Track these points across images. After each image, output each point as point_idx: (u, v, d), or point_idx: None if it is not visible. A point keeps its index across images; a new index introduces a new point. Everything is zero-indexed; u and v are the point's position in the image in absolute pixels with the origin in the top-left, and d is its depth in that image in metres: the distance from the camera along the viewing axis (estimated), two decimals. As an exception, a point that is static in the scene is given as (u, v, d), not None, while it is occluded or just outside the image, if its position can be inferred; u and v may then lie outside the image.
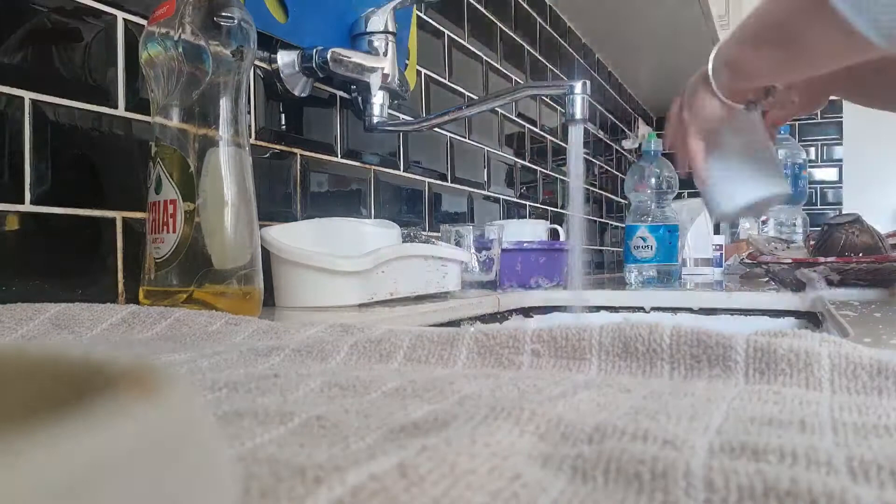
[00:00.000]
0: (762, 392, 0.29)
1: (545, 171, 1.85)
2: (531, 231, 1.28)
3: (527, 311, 1.11)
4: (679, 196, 1.50)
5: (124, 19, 0.69)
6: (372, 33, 0.98)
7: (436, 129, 1.27)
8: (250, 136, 0.84)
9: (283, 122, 0.92)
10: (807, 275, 1.03)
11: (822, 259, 1.02)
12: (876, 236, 1.07)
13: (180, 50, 0.58)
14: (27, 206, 0.60)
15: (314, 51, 0.91)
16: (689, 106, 0.80)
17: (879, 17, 0.55)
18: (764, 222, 1.93)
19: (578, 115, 0.92)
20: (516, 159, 1.66)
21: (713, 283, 1.34)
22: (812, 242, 1.17)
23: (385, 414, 0.25)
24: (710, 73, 0.75)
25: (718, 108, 0.77)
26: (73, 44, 0.64)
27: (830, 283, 1.02)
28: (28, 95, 0.60)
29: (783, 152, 1.92)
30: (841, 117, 3.01)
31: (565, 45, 2.03)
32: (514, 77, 1.65)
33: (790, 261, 1.07)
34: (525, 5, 1.73)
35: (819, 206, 3.05)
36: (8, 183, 0.59)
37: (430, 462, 0.17)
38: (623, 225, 1.74)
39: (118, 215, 0.68)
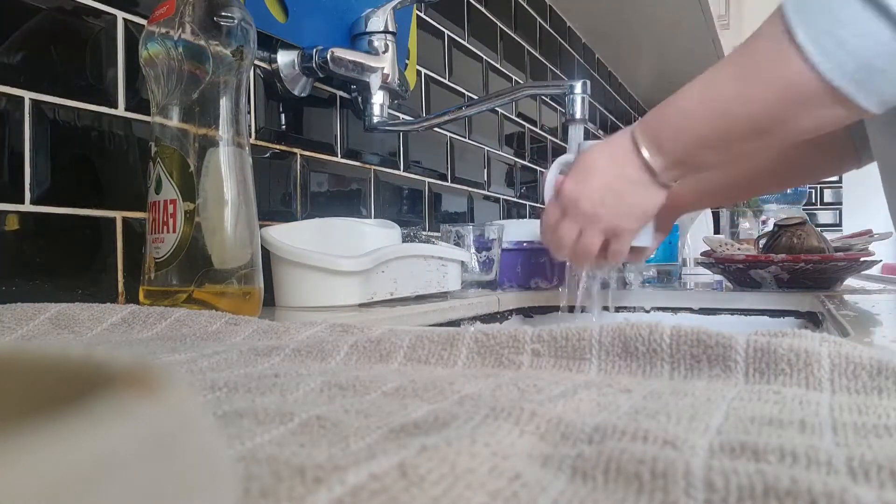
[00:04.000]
0: (762, 392, 0.29)
1: (545, 171, 1.85)
2: (531, 231, 1.28)
3: (527, 311, 1.11)
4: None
5: (124, 19, 0.69)
6: (372, 33, 0.98)
7: (436, 129, 1.27)
8: (250, 136, 0.84)
9: (283, 122, 0.92)
10: (760, 274, 1.09)
11: (773, 257, 1.07)
12: (821, 240, 1.12)
13: (180, 50, 0.58)
14: (27, 206, 0.60)
15: (314, 51, 0.91)
16: (608, 202, 0.70)
17: (884, 92, 0.56)
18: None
19: (578, 115, 0.92)
20: (516, 159, 1.66)
21: (713, 283, 1.34)
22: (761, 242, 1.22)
23: (385, 414, 0.25)
24: (653, 167, 0.67)
25: (655, 206, 0.70)
26: (73, 44, 0.64)
27: (781, 283, 1.08)
28: (28, 95, 0.60)
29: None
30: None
31: (565, 45, 2.03)
32: (514, 77, 1.65)
33: (744, 258, 1.11)
34: (525, 5, 1.73)
35: (819, 206, 3.05)
36: (8, 183, 0.59)
37: (430, 462, 0.17)
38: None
39: (118, 215, 0.68)
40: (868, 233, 1.18)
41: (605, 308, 1.02)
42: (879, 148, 0.75)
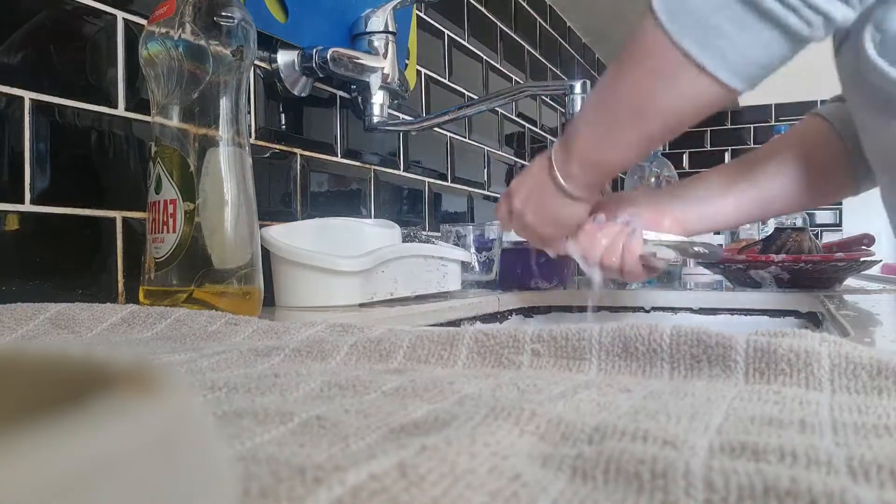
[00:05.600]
0: (762, 392, 0.29)
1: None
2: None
3: (527, 311, 1.11)
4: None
5: (124, 19, 0.69)
6: (372, 33, 0.98)
7: (436, 128, 1.27)
8: (250, 136, 0.84)
9: (283, 122, 0.92)
10: (760, 274, 1.10)
11: (773, 258, 1.07)
12: (813, 247, 1.14)
13: (180, 49, 0.58)
14: (27, 206, 0.60)
15: (314, 51, 0.91)
16: (530, 206, 0.73)
17: (727, 53, 0.56)
18: (764, 222, 1.93)
19: (578, 115, 0.91)
20: (516, 159, 1.66)
21: (713, 283, 1.34)
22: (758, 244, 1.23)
23: (385, 414, 0.25)
24: (561, 182, 0.69)
25: (570, 217, 0.72)
26: (73, 44, 0.64)
27: (780, 283, 1.09)
28: (28, 95, 0.60)
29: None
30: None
31: (565, 44, 2.03)
32: (514, 77, 1.65)
33: (744, 258, 1.11)
34: (525, 5, 1.73)
35: (820, 206, 3.05)
36: (8, 183, 0.59)
37: (430, 462, 0.17)
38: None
39: (118, 215, 0.68)
40: (862, 239, 1.18)
41: (598, 308, 1.03)
42: (876, 152, 0.75)
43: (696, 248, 0.78)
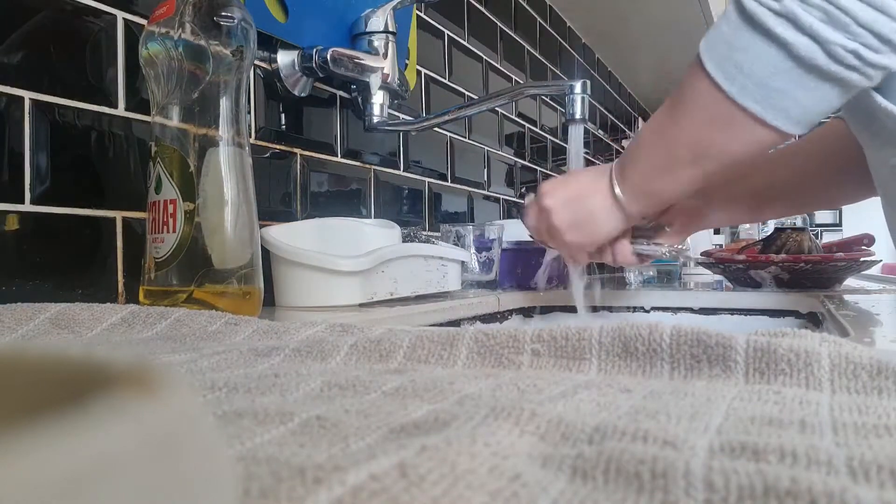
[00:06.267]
0: (762, 392, 0.29)
1: (545, 170, 1.85)
2: (531, 231, 1.28)
3: (527, 311, 1.11)
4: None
5: (124, 19, 0.69)
6: (372, 33, 0.98)
7: (436, 128, 1.27)
8: (250, 136, 0.84)
9: (283, 122, 0.92)
10: (760, 274, 1.10)
11: (773, 258, 1.08)
12: (813, 248, 1.15)
13: (180, 49, 0.58)
14: (27, 206, 0.60)
15: (314, 51, 0.91)
16: (567, 208, 0.76)
17: (789, 110, 0.59)
18: (764, 222, 1.93)
19: (578, 115, 0.92)
20: (516, 159, 1.66)
21: (713, 283, 1.34)
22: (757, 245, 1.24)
23: (385, 414, 0.25)
24: (623, 206, 0.73)
25: (606, 231, 0.76)
26: (73, 44, 0.64)
27: (780, 283, 1.09)
28: (28, 95, 0.60)
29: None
30: (842, 118, 3.01)
31: (565, 45, 2.03)
32: (514, 77, 1.65)
33: (744, 258, 1.12)
34: (525, 5, 1.73)
35: (846, 204, 3.04)
36: (8, 183, 0.59)
37: (430, 462, 0.17)
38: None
39: (118, 215, 0.68)
40: (862, 239, 1.18)
41: (593, 308, 1.04)
42: (874, 167, 0.76)
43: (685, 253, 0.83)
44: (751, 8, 0.57)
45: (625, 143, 2.70)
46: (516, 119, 1.68)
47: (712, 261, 1.17)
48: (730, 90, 0.60)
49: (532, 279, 1.11)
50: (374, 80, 0.97)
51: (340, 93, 1.02)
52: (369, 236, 0.83)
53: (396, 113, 1.13)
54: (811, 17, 0.55)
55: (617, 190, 0.72)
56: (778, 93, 0.58)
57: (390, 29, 0.99)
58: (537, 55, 1.80)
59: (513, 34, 1.65)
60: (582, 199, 0.75)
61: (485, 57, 1.50)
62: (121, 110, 0.68)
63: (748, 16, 0.58)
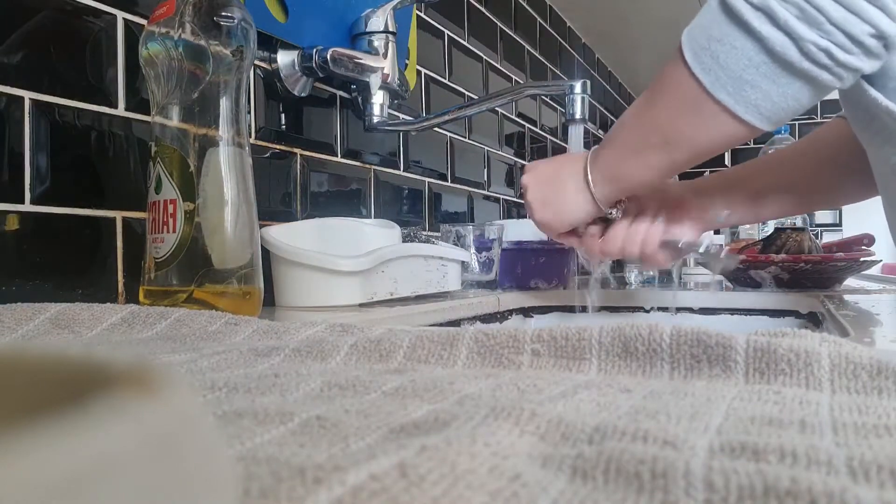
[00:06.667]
0: (762, 392, 0.29)
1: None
2: (531, 231, 1.28)
3: (527, 311, 1.11)
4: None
5: (124, 19, 0.69)
6: (372, 33, 0.98)
7: (436, 128, 1.27)
8: (250, 136, 0.84)
9: (283, 122, 0.92)
10: (760, 274, 1.11)
11: (773, 257, 1.08)
12: (815, 247, 1.15)
13: (180, 49, 0.58)
14: (27, 206, 0.60)
15: (314, 51, 0.91)
16: (542, 186, 0.78)
17: (760, 105, 0.60)
18: (763, 221, 1.93)
19: (578, 115, 0.92)
20: (516, 159, 1.66)
21: (713, 283, 1.34)
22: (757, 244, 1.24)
23: (385, 414, 0.25)
24: (591, 187, 0.74)
25: (576, 212, 0.76)
26: (73, 44, 0.64)
27: (780, 283, 1.09)
28: (28, 95, 0.60)
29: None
30: (843, 117, 3.01)
31: (565, 45, 2.03)
32: (514, 77, 1.65)
33: (744, 258, 1.12)
34: (525, 5, 1.73)
35: (850, 203, 3.04)
36: (8, 183, 0.59)
37: (430, 462, 0.17)
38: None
39: (118, 215, 0.68)
40: (862, 239, 1.18)
41: (595, 307, 1.04)
42: (874, 163, 0.76)
43: (721, 255, 0.82)
44: (731, 0, 0.58)
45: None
46: (516, 119, 1.68)
47: None
48: (705, 80, 0.60)
49: (532, 279, 1.11)
50: (374, 80, 0.97)
51: (340, 93, 1.02)
52: (369, 236, 0.83)
53: (396, 113, 1.13)
54: (787, 13, 0.56)
55: (588, 172, 0.73)
56: (751, 87, 0.59)
57: (390, 29, 0.99)
58: (537, 55, 1.80)
59: (513, 34, 1.65)
60: (555, 179, 0.76)
61: (485, 57, 1.50)
62: (121, 110, 0.68)
63: (728, 7, 0.58)
